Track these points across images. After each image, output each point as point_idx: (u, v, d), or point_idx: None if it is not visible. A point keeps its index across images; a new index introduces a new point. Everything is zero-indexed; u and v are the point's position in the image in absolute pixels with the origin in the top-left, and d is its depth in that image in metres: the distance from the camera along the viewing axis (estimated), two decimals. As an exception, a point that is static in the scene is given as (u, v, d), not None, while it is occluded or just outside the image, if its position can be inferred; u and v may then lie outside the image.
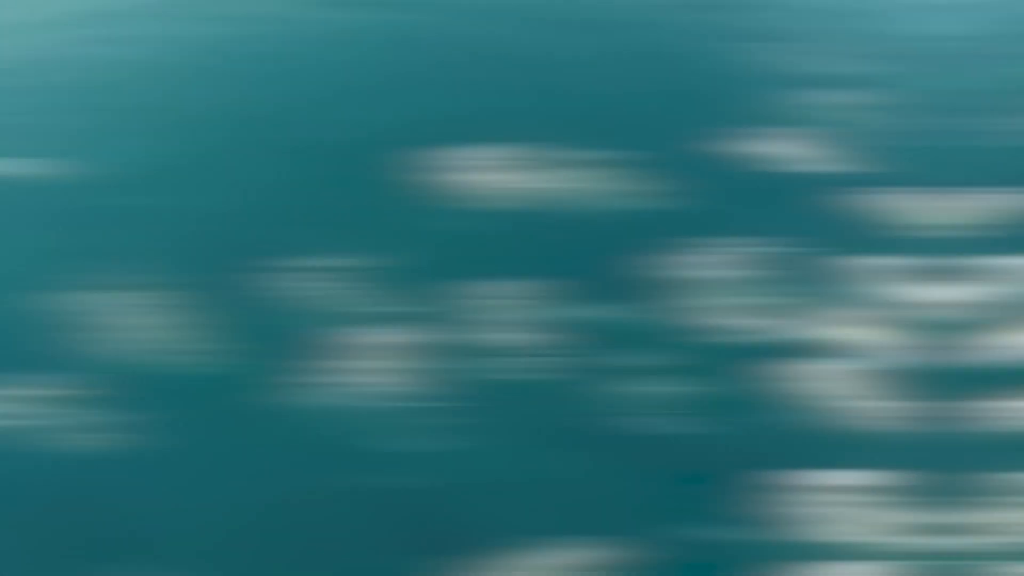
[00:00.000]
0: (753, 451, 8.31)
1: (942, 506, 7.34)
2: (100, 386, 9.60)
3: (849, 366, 8.22)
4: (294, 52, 13.28)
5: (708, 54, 12.31)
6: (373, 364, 9.04)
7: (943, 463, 7.68)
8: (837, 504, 7.30)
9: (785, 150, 10.36)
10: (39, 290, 10.44)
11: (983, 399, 8.06)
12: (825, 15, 12.67)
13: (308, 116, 12.19)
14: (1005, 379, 8.20)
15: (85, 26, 14.37)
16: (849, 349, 8.36)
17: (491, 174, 10.52)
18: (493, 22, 13.50)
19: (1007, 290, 8.71)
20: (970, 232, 9.21)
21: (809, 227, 9.96)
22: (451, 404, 8.98)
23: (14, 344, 10.16)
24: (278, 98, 12.70)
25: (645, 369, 8.92)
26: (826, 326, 8.67)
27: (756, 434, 8.44)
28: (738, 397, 8.76)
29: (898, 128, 10.70)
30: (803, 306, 9.09)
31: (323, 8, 13.68)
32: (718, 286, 9.37)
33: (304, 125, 12.08)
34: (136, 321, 9.92)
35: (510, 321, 9.48)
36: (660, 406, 8.62)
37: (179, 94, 12.97)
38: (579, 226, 10.42)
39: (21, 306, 10.39)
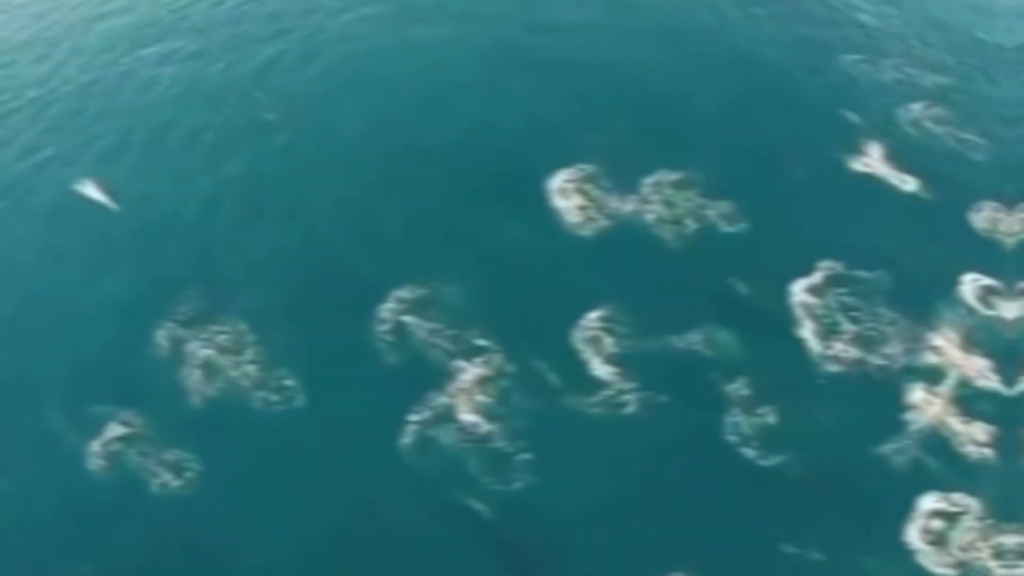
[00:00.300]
0: (861, 478, 8.16)
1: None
2: (188, 421, 9.68)
3: (952, 390, 8.12)
4: (373, 70, 13.29)
5: (798, 68, 12.15)
6: (467, 397, 9.06)
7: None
8: (947, 528, 7.23)
9: (880, 167, 10.24)
10: (126, 322, 10.51)
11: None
12: (908, 27, 12.46)
13: (392, 134, 12.21)
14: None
15: (143, 46, 14.48)
16: (952, 372, 8.23)
17: (583, 197, 10.47)
18: (585, 38, 13.38)
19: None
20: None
21: (909, 247, 9.80)
22: (546, 436, 8.92)
23: (100, 379, 10.24)
24: (363, 117, 12.71)
25: (749, 398, 8.82)
26: (931, 350, 8.56)
27: (857, 460, 8.30)
28: (841, 424, 8.62)
29: (982, 142, 10.52)
30: (902, 330, 8.95)
31: (402, 25, 13.65)
32: (819, 311, 9.25)
33: (387, 142, 12.09)
34: (224, 356, 9.97)
35: (608, 351, 9.40)
36: (762, 435, 8.52)
37: (257, 113, 13.04)
38: (678, 251, 10.31)
39: (106, 339, 10.47)
